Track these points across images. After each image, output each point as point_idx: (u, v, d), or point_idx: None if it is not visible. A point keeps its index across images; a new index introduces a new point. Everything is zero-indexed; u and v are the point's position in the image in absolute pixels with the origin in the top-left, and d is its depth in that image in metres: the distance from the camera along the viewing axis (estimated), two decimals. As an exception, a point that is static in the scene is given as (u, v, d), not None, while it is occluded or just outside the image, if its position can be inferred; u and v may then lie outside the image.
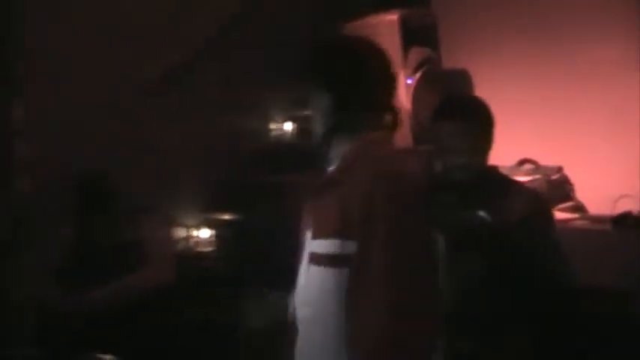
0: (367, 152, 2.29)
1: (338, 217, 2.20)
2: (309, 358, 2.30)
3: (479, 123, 2.91)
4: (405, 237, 2.14)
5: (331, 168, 2.39)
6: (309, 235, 2.31)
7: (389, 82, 2.42)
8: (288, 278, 3.60)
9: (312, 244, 2.27)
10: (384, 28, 4.77)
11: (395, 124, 2.40)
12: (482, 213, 2.82)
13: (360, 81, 2.34)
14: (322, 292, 2.22)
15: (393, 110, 2.40)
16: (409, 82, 4.71)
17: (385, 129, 2.38)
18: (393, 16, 4.76)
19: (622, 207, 3.71)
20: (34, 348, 4.08)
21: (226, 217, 5.64)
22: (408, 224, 2.16)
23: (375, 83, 2.36)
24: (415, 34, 4.77)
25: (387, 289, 2.10)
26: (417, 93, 4.67)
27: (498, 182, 2.94)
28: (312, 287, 2.27)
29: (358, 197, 2.18)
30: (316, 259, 2.25)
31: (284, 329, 3.27)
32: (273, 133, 6.15)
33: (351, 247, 2.16)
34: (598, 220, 3.77)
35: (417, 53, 4.77)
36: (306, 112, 6.20)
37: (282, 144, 6.04)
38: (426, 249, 2.21)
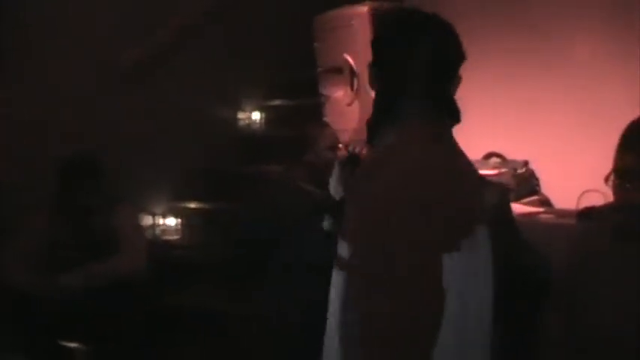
0: (399, 152, 2.07)
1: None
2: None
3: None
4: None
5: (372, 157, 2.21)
6: None
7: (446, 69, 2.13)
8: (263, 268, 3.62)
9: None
10: (355, 19, 4.78)
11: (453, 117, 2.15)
12: None
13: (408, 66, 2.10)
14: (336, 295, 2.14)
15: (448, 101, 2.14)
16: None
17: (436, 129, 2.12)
18: (363, 8, 4.77)
19: (586, 201, 3.75)
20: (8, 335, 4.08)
21: (197, 205, 5.65)
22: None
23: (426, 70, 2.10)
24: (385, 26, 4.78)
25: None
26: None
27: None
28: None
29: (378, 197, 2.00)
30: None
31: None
32: (244, 122, 6.17)
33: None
34: (563, 214, 3.81)
35: (387, 45, 4.78)
36: (277, 102, 6.29)
37: (254, 133, 6.05)
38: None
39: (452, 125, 2.17)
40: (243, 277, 3.73)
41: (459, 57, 2.17)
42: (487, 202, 2.23)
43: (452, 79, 2.16)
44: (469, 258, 2.02)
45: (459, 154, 2.15)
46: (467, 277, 2.03)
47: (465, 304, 2.03)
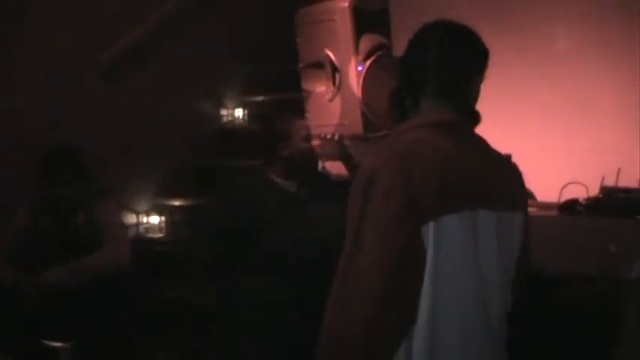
0: (398, 138, 2.30)
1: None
2: None
3: None
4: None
5: None
6: None
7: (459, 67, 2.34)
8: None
9: None
10: (336, 14, 4.77)
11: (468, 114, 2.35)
12: None
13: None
14: None
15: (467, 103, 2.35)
16: (360, 69, 4.72)
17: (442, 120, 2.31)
18: (344, 3, 4.76)
19: (569, 194, 3.76)
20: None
21: (179, 203, 5.64)
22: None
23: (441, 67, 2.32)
24: (367, 21, 4.77)
25: None
26: (368, 80, 4.67)
27: None
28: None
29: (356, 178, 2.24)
30: None
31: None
32: (226, 118, 6.16)
33: None
34: (545, 206, 3.82)
35: (368, 40, 4.77)
36: (258, 98, 6.27)
37: (234, 129, 6.05)
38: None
39: (468, 123, 2.36)
40: (219, 272, 3.72)
41: (476, 57, 2.37)
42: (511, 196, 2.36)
43: (470, 80, 2.35)
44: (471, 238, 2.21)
45: (469, 148, 2.31)
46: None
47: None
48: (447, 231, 2.17)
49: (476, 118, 2.37)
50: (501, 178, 2.37)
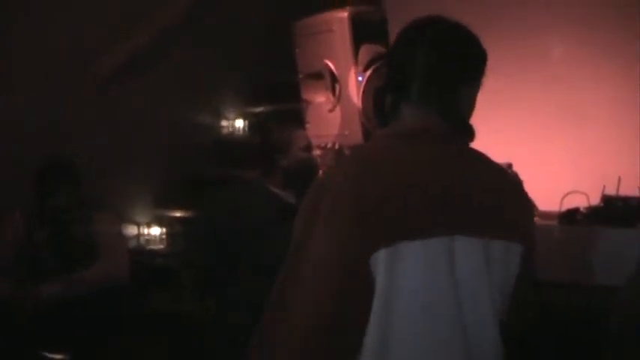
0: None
1: None
2: None
3: None
4: None
5: None
6: None
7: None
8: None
9: None
10: (335, 25, 4.78)
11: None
12: None
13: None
14: None
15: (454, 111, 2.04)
16: (360, 79, 4.73)
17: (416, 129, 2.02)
18: (343, 13, 4.77)
19: (569, 203, 3.75)
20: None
21: (179, 214, 5.63)
22: None
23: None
24: (366, 32, 4.78)
25: None
26: (368, 90, 4.68)
27: None
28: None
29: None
30: None
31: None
32: (226, 129, 6.16)
33: None
34: (546, 215, 3.81)
35: (367, 50, 4.78)
36: (258, 108, 6.27)
37: (234, 140, 6.04)
38: None
39: (461, 136, 2.07)
40: (214, 283, 3.72)
41: (471, 62, 2.08)
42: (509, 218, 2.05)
43: (460, 87, 2.05)
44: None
45: (447, 163, 2.01)
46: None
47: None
48: (405, 259, 1.87)
49: (467, 130, 2.07)
50: (497, 202, 2.02)
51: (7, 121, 4.89)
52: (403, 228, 1.88)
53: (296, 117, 4.82)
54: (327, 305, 1.85)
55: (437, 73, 2.01)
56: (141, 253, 5.35)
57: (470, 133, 2.07)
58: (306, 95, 4.96)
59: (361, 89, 4.72)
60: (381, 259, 1.86)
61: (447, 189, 1.95)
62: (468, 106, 2.09)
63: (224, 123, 6.14)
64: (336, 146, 4.26)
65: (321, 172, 4.14)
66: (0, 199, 4.71)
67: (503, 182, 2.11)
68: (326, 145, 4.27)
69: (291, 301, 1.89)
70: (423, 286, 1.89)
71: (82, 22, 5.20)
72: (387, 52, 2.16)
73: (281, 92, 5.63)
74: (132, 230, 5.52)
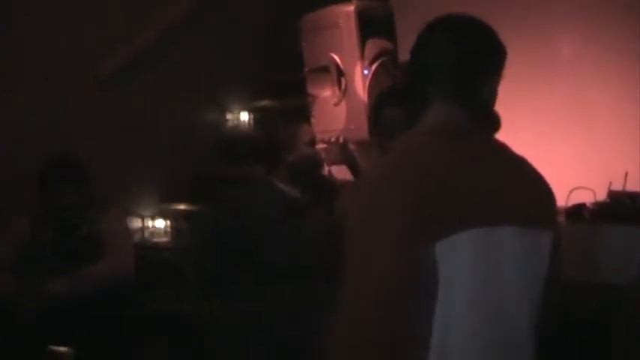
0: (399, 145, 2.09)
1: None
2: None
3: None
4: None
5: None
6: None
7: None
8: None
9: None
10: (341, 19, 4.77)
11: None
12: None
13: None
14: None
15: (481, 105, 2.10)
16: (366, 73, 4.73)
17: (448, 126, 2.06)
18: (349, 8, 4.77)
19: (576, 199, 3.74)
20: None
21: (184, 207, 5.63)
22: None
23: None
24: (372, 26, 4.78)
25: None
26: (374, 85, 4.68)
27: None
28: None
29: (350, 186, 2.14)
30: None
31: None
32: (231, 123, 6.15)
33: None
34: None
35: (374, 45, 4.78)
36: (264, 103, 6.26)
37: (240, 134, 6.04)
38: None
39: (488, 130, 2.14)
40: (222, 280, 3.71)
41: (490, 55, 2.12)
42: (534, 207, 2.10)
43: (483, 81, 2.10)
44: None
45: (480, 157, 2.07)
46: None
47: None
48: (458, 249, 1.91)
49: (494, 124, 2.16)
50: (529, 191, 2.08)
51: (9, 119, 4.89)
52: (456, 219, 1.92)
53: (301, 112, 4.82)
54: (394, 312, 1.89)
55: (463, 69, 2.06)
56: (145, 246, 5.35)
57: (496, 125, 2.16)
58: (312, 89, 4.95)
59: (367, 83, 4.72)
60: (440, 251, 1.89)
61: (487, 180, 2.01)
62: (492, 99, 2.14)
63: (229, 118, 6.13)
64: (341, 140, 4.25)
65: (327, 167, 4.15)
66: (3, 199, 4.70)
67: (529, 172, 2.15)
68: (330, 140, 4.26)
69: (355, 307, 1.92)
70: (473, 276, 1.94)
71: (82, 22, 5.20)
72: (410, 52, 2.15)
73: (286, 87, 5.62)
74: (136, 223, 5.51)
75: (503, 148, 2.13)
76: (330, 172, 4.29)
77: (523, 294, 2.02)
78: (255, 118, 6.02)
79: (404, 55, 4.83)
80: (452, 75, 2.05)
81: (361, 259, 1.92)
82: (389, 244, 1.89)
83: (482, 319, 1.96)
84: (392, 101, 3.10)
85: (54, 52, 5.06)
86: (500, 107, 4.54)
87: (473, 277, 1.93)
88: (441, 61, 2.05)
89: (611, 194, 3.65)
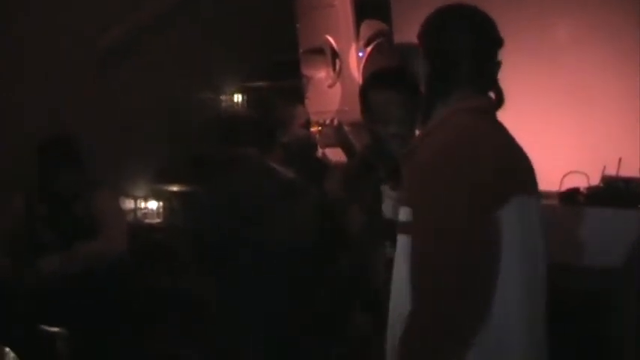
0: (445, 124, 2.23)
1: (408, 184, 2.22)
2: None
3: (409, 93, 2.95)
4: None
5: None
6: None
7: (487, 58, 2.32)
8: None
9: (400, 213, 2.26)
10: (337, 0, 4.76)
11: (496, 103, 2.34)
12: None
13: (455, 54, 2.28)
14: (401, 260, 2.21)
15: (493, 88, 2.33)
16: (361, 55, 4.71)
17: (481, 105, 2.30)
18: (345, -11, 4.75)
19: (569, 183, 3.74)
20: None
21: (177, 188, 5.62)
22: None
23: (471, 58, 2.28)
24: (367, 8, 4.77)
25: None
26: (369, 66, 4.67)
27: None
28: (397, 255, 2.25)
29: (420, 165, 2.18)
30: (400, 227, 2.24)
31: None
32: (225, 104, 6.13)
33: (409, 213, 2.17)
34: (546, 195, 3.80)
35: (369, 26, 4.77)
36: (258, 84, 6.23)
37: (234, 115, 6.02)
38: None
39: (496, 107, 2.35)
40: (217, 260, 3.70)
41: (497, 42, 2.34)
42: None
43: (494, 63, 2.34)
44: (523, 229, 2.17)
45: (506, 131, 2.32)
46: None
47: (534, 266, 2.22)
48: (511, 218, 2.13)
49: (502, 103, 2.36)
50: (529, 161, 2.33)
51: (6, 103, 4.88)
52: (509, 189, 2.15)
53: (296, 93, 4.80)
54: (471, 272, 2.08)
55: (480, 57, 2.28)
56: (138, 227, 5.34)
57: (501, 103, 2.36)
58: (306, 71, 4.94)
59: (362, 65, 4.71)
60: (502, 218, 2.12)
61: (519, 152, 2.29)
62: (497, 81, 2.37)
63: (223, 99, 6.12)
64: (335, 122, 4.24)
65: (321, 149, 4.13)
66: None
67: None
68: (324, 122, 4.25)
69: (436, 270, 2.09)
70: (522, 238, 2.17)
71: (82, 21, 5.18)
72: (427, 42, 2.36)
73: (281, 68, 5.60)
74: (129, 204, 5.50)
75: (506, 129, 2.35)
76: (324, 153, 4.28)
77: (544, 271, 2.25)
78: (250, 99, 6.01)
79: (399, 37, 4.82)
80: (471, 62, 2.26)
81: (447, 230, 2.08)
82: (471, 215, 2.08)
83: (528, 281, 2.18)
84: (378, 85, 3.10)
85: (48, 31, 5.05)
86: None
87: (519, 242, 2.15)
88: (460, 48, 2.26)
89: (605, 179, 3.64)
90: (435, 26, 2.34)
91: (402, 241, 2.20)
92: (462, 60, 2.26)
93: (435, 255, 2.08)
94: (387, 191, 3.06)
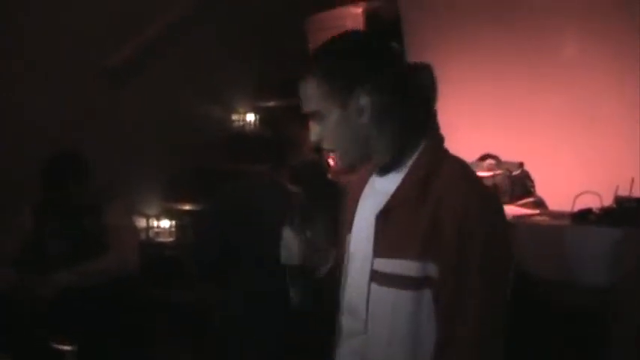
0: (442, 163, 2.21)
1: (418, 237, 2.10)
2: None
3: None
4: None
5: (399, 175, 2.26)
6: (361, 246, 2.25)
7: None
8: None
9: (377, 263, 2.18)
10: (349, 20, 4.77)
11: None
12: None
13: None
14: (399, 313, 2.14)
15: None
16: (373, 75, 4.71)
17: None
18: (358, 9, 4.77)
19: (582, 204, 3.73)
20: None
21: (190, 207, 5.63)
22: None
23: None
24: (379, 29, 4.78)
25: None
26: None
27: None
28: (380, 307, 2.18)
29: (445, 214, 2.08)
30: (384, 279, 2.16)
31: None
32: (236, 123, 6.15)
33: (432, 269, 2.09)
34: (558, 215, 3.79)
35: (381, 47, 4.77)
36: (270, 103, 6.24)
37: (245, 134, 6.03)
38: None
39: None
40: (225, 277, 3.71)
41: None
42: None
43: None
44: None
45: None
46: None
47: None
48: None
49: None
50: None
51: (13, 114, 4.90)
52: None
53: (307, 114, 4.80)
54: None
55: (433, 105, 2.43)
56: (150, 245, 5.35)
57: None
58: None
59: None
60: None
61: None
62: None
63: (235, 117, 6.13)
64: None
65: (330, 174, 4.11)
66: (7, 192, 4.71)
67: None
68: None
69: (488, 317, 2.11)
70: None
71: (96, 14, 5.20)
72: (402, 98, 2.34)
73: (293, 88, 5.60)
74: (141, 223, 5.51)
75: None
76: (336, 177, 4.27)
77: None
78: (261, 118, 6.02)
79: (411, 58, 4.82)
80: (435, 109, 2.44)
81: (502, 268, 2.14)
82: (505, 265, 2.15)
83: None
84: None
85: (55, 51, 5.07)
86: (509, 112, 4.56)
87: None
88: (432, 100, 2.48)
89: (618, 199, 3.63)
90: (407, 80, 2.46)
91: (404, 295, 2.13)
92: (432, 110, 2.45)
93: (496, 306, 2.10)
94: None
